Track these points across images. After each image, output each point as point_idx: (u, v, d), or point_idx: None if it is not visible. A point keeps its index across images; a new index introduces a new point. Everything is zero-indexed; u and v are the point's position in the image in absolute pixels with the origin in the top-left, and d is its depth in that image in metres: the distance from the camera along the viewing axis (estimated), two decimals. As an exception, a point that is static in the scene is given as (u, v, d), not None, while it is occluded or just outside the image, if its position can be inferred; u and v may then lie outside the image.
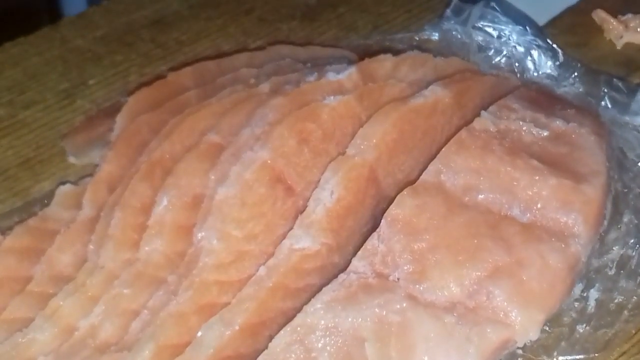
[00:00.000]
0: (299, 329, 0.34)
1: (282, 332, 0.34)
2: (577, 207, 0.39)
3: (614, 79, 0.49)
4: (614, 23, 0.54)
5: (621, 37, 0.54)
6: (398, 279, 0.35)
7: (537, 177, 0.35)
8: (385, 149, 0.38)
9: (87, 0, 0.83)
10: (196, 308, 0.35)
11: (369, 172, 0.37)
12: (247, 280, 0.36)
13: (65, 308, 0.36)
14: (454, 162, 0.36)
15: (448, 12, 0.54)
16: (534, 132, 0.39)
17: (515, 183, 0.36)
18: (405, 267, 0.35)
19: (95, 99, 0.52)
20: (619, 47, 0.54)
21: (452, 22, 0.53)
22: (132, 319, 0.36)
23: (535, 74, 0.49)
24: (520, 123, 0.38)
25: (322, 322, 0.34)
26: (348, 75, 0.42)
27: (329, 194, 0.37)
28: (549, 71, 0.49)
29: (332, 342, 0.35)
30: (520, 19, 0.52)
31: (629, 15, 0.55)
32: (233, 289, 0.36)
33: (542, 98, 0.40)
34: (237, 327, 0.34)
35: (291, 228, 0.37)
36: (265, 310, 0.34)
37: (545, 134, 0.39)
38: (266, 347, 0.34)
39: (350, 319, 0.35)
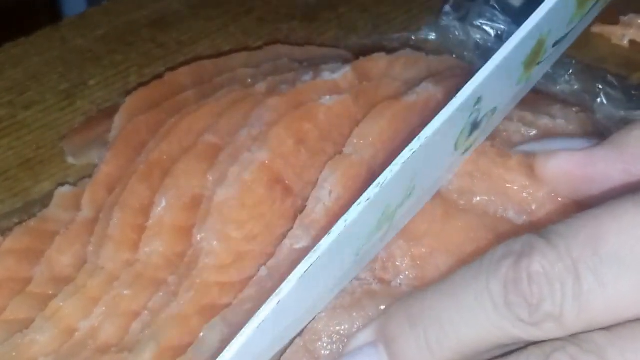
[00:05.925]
0: (305, 335, 0.33)
1: None
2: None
3: (609, 75, 0.49)
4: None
5: (622, 37, 0.54)
6: (400, 284, 0.35)
7: (529, 179, 0.35)
8: (381, 146, 0.38)
9: (87, 0, 0.83)
10: (197, 309, 0.35)
11: (367, 170, 0.37)
12: (247, 281, 0.36)
13: (66, 309, 0.36)
14: None
15: (447, 8, 0.54)
16: (522, 131, 0.39)
17: (508, 185, 0.35)
18: (407, 273, 0.35)
19: (95, 100, 0.52)
20: (619, 48, 0.54)
21: (451, 18, 0.53)
22: (132, 320, 0.36)
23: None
24: (508, 123, 0.38)
25: (328, 329, 0.33)
26: (343, 74, 0.42)
27: (328, 193, 0.37)
28: (544, 69, 0.49)
29: (338, 348, 0.34)
30: (519, 17, 0.52)
31: (631, 15, 0.55)
32: (234, 289, 0.36)
33: (528, 95, 0.40)
34: (239, 328, 0.34)
35: (290, 228, 0.36)
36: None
37: (533, 132, 0.39)
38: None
39: (356, 325, 0.35)
